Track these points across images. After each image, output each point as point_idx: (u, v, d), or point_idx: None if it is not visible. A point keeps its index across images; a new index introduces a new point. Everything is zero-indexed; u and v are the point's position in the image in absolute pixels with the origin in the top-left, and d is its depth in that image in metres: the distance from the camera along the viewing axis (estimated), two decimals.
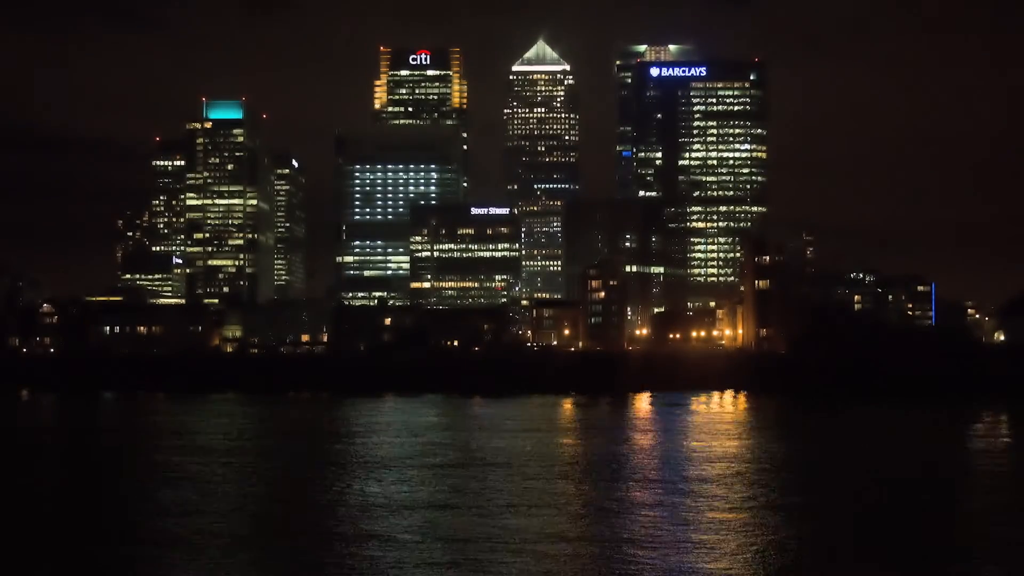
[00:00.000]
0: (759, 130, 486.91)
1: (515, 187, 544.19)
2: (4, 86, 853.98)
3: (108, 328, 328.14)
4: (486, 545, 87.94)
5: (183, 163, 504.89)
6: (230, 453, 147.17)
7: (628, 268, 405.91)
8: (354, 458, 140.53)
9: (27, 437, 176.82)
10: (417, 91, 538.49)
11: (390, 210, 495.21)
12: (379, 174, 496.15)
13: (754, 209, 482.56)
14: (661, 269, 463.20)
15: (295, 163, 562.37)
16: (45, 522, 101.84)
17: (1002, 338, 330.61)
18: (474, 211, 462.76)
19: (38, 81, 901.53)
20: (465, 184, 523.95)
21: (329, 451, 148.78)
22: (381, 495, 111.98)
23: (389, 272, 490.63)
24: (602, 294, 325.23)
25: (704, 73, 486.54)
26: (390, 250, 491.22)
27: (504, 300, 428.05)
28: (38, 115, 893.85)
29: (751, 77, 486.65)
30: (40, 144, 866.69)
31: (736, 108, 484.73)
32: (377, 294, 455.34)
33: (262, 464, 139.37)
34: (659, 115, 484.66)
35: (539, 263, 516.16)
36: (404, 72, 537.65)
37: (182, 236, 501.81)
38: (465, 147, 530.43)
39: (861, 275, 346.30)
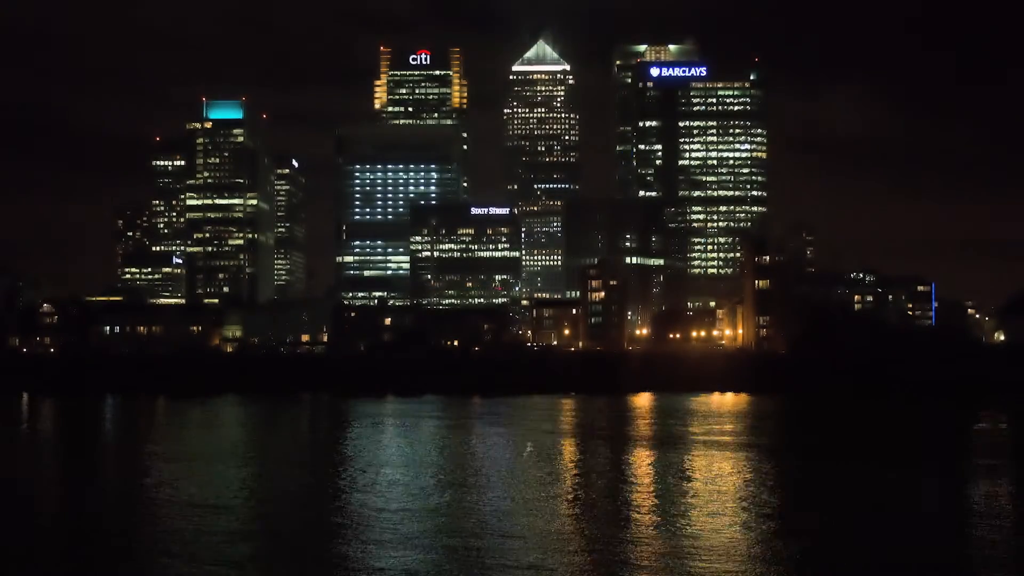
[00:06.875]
0: (759, 130, 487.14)
1: (515, 187, 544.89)
2: (4, 86, 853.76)
3: (108, 328, 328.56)
4: (482, 547, 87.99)
5: (183, 163, 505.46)
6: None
7: (628, 266, 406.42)
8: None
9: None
10: (417, 91, 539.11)
11: (390, 210, 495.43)
12: (379, 174, 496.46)
13: (754, 209, 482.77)
14: (661, 269, 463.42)
15: (295, 163, 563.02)
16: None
17: (1002, 338, 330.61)
18: (474, 211, 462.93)
19: (37, 81, 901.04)
20: (465, 184, 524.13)
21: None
22: None
23: (389, 272, 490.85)
24: (602, 294, 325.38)
25: (704, 73, 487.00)
26: (390, 250, 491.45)
27: (504, 300, 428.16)
28: (38, 115, 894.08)
29: (751, 77, 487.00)
30: (40, 144, 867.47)
31: (736, 108, 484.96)
32: (377, 294, 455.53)
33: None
34: (659, 115, 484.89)
35: (539, 263, 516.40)
36: (404, 72, 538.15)
37: (182, 236, 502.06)
38: (465, 147, 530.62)
39: (861, 275, 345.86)
